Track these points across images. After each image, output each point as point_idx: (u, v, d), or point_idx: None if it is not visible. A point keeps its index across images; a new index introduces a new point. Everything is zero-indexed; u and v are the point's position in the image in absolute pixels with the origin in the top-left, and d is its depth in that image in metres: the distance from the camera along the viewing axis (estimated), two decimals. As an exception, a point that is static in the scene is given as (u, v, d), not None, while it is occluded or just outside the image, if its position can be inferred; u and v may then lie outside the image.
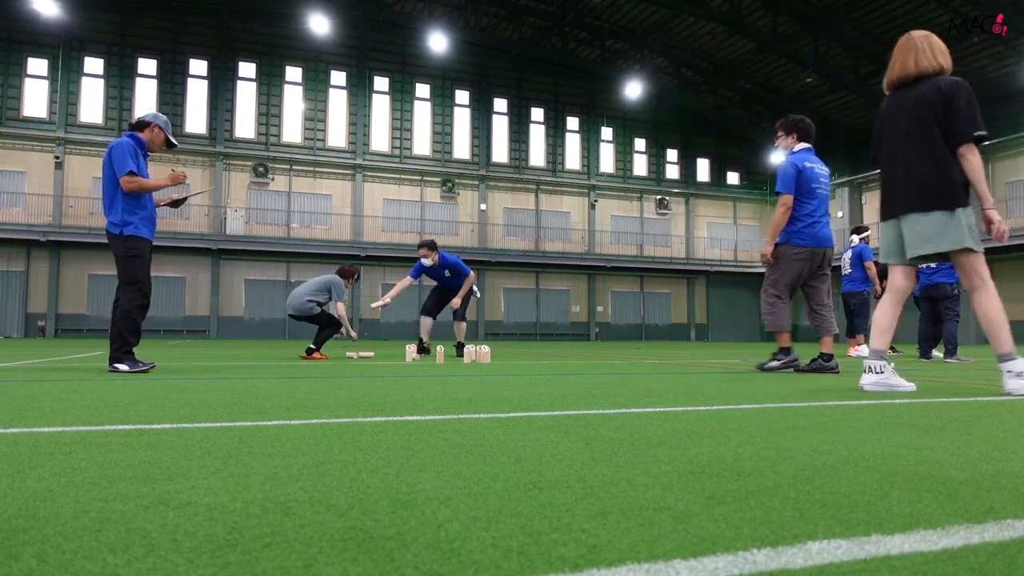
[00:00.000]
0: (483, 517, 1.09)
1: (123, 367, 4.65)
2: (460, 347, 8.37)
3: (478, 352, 6.95)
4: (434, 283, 8.62)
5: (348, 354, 7.80)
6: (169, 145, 5.12)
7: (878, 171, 3.92)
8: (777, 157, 34.18)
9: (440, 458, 1.61)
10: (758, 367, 5.57)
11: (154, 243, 5.02)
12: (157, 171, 25.05)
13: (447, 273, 8.26)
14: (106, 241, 4.94)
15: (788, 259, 5.39)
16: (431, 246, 8.07)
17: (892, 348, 6.55)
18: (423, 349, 8.17)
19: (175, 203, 5.21)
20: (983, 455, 1.70)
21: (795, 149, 5.51)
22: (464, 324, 8.49)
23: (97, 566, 0.85)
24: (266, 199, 27.65)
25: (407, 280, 8.30)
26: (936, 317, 8.95)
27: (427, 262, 8.11)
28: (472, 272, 8.32)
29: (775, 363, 5.42)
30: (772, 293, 5.45)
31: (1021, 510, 1.16)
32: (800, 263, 5.36)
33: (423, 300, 8.80)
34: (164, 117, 5.11)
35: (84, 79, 26.06)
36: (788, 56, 28.08)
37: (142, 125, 5.00)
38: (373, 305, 7.98)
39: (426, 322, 8.40)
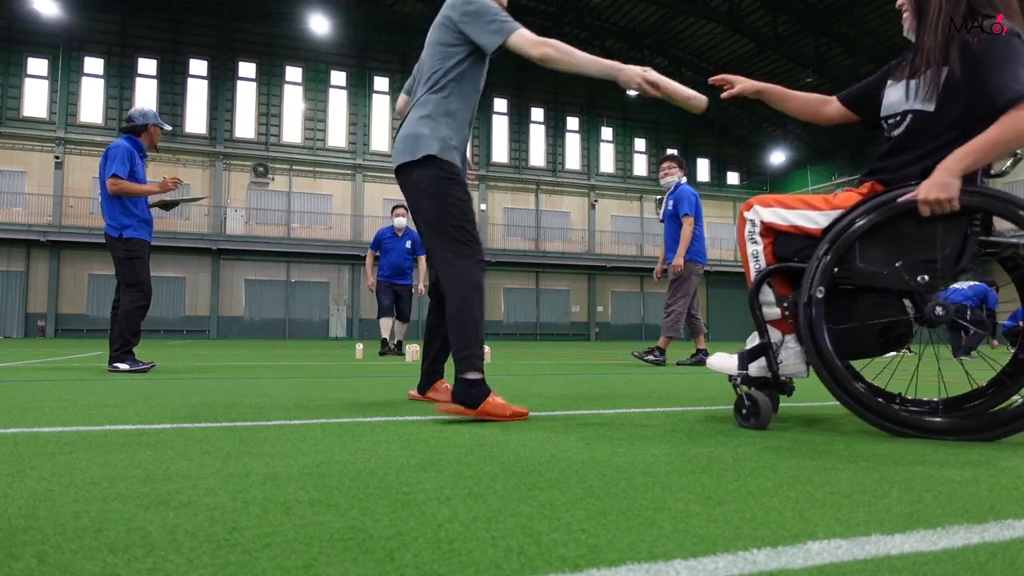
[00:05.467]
0: (483, 517, 1.09)
1: (123, 366, 4.66)
2: (400, 346, 8.40)
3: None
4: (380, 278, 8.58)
5: (357, 346, 7.84)
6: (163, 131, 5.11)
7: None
8: (778, 157, 34.23)
9: (440, 458, 1.61)
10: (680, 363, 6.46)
11: (154, 243, 5.01)
12: (156, 170, 25.08)
13: (408, 244, 8.36)
14: (105, 241, 4.91)
15: (696, 276, 6.40)
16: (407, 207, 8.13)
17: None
18: (391, 349, 8.24)
19: (166, 205, 5.14)
20: (983, 455, 1.70)
21: (683, 181, 6.57)
22: (406, 326, 8.54)
23: (97, 566, 0.85)
24: (266, 199, 27.64)
25: (369, 256, 8.57)
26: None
27: (402, 221, 8.28)
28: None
29: (691, 361, 6.36)
30: (684, 307, 6.34)
31: (1021, 510, 1.16)
32: (699, 278, 6.48)
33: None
34: (152, 111, 5.06)
35: (84, 79, 26.05)
36: (788, 56, 28.08)
37: (138, 128, 4.96)
38: (369, 285, 8.37)
39: (386, 323, 8.40)
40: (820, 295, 2.09)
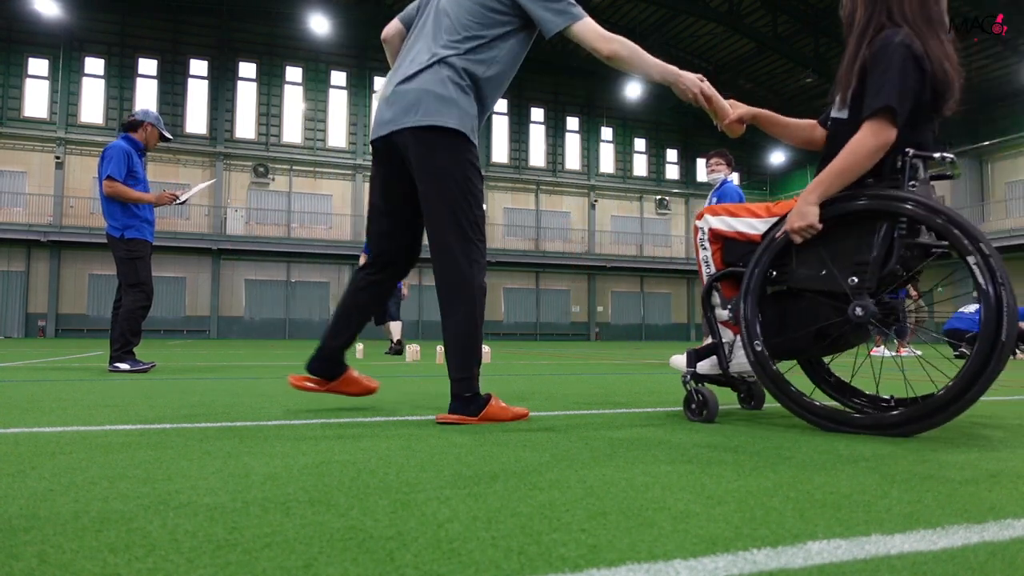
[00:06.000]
0: (483, 517, 1.09)
1: (124, 366, 4.66)
2: (400, 344, 8.52)
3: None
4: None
5: (357, 346, 7.90)
6: (163, 139, 5.11)
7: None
8: (777, 157, 34.20)
9: (440, 458, 1.61)
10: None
11: (154, 243, 5.02)
12: (156, 170, 25.10)
13: None
14: (107, 241, 4.93)
15: None
16: None
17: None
18: (397, 350, 8.41)
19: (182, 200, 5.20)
20: (983, 455, 1.70)
21: (731, 179, 6.57)
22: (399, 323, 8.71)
23: (97, 566, 0.85)
24: (266, 199, 27.64)
25: (363, 259, 8.56)
26: None
27: None
28: None
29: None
30: None
31: (1021, 510, 1.16)
32: None
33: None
34: (155, 113, 5.08)
35: (84, 79, 26.05)
36: (788, 56, 28.06)
37: (135, 125, 4.98)
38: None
39: (396, 326, 8.70)
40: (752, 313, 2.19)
